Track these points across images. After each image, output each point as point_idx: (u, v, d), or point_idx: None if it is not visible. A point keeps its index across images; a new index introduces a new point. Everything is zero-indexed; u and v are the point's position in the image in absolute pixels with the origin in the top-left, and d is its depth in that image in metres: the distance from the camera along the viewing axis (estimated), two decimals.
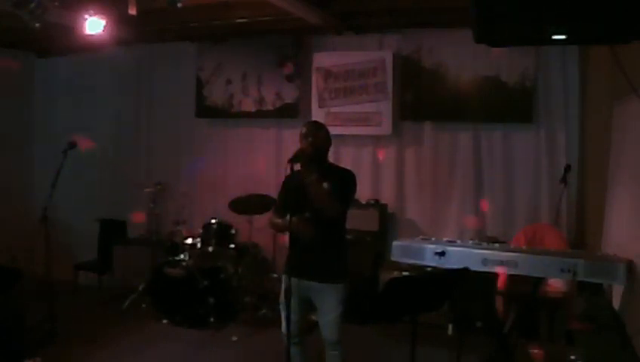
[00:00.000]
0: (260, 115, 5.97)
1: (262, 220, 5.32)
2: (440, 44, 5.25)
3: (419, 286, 2.71)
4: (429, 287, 2.76)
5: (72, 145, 4.60)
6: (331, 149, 3.28)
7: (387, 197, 5.54)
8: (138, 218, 6.19)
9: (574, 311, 4.00)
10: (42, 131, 6.87)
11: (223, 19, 5.17)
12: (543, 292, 4.12)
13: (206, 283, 4.97)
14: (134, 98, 6.52)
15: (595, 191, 4.44)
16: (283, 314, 3.13)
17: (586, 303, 3.78)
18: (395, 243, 4.16)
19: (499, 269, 3.78)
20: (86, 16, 4.24)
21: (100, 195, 6.49)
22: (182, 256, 5.25)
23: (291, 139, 5.59)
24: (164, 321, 5.05)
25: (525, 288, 3.98)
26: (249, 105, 6.00)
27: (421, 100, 5.36)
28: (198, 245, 5.34)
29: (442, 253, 3.86)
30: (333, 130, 3.35)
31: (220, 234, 5.36)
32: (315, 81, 5.70)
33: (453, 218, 5.32)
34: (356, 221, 4.93)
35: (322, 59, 5.67)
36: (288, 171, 3.00)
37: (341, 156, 5.42)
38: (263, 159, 5.94)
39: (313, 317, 3.47)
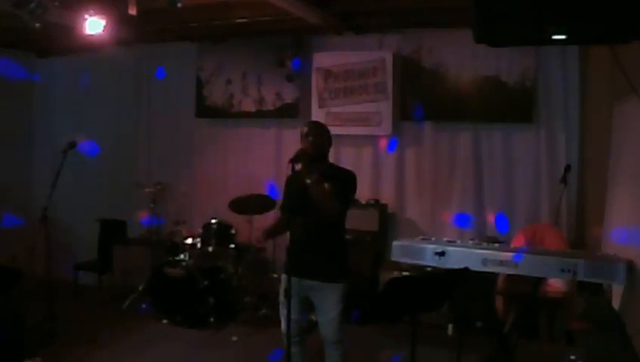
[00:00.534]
0: (259, 115, 5.97)
1: (262, 220, 5.32)
2: (440, 44, 5.25)
3: (419, 286, 2.71)
4: (429, 287, 2.76)
5: (72, 145, 4.60)
6: (331, 149, 3.28)
7: (387, 197, 5.54)
8: (141, 216, 6.18)
9: (574, 311, 4.00)
10: (42, 131, 6.87)
11: (223, 19, 5.17)
12: (543, 292, 4.12)
13: (206, 283, 4.97)
14: (134, 98, 6.52)
15: (595, 191, 4.44)
16: (282, 314, 3.13)
17: (586, 303, 3.78)
18: (395, 243, 4.16)
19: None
20: (86, 16, 4.24)
21: (100, 195, 6.49)
22: (182, 256, 5.25)
23: (291, 139, 5.60)
24: (164, 321, 5.05)
25: (525, 288, 3.98)
26: (249, 105, 6.00)
27: (421, 100, 5.36)
28: (198, 245, 5.34)
29: (442, 253, 3.86)
30: (333, 130, 3.35)
31: (220, 234, 5.36)
32: (315, 81, 5.70)
33: (454, 218, 5.32)
34: (356, 221, 4.93)
35: (322, 59, 5.67)
36: (289, 171, 3.00)
37: (341, 156, 5.42)
38: (263, 159, 5.94)
39: (313, 317, 3.48)
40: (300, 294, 3.13)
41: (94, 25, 4.27)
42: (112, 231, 6.24)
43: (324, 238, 3.13)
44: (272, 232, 3.44)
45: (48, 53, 6.77)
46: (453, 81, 5.21)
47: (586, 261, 3.43)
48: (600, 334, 3.26)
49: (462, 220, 5.27)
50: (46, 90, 6.87)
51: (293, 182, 3.11)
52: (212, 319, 4.98)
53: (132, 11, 4.01)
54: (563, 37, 2.48)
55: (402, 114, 5.47)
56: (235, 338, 4.73)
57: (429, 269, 4.08)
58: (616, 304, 3.55)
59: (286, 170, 3.05)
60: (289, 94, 5.83)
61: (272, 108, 5.91)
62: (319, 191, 2.94)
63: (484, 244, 4.12)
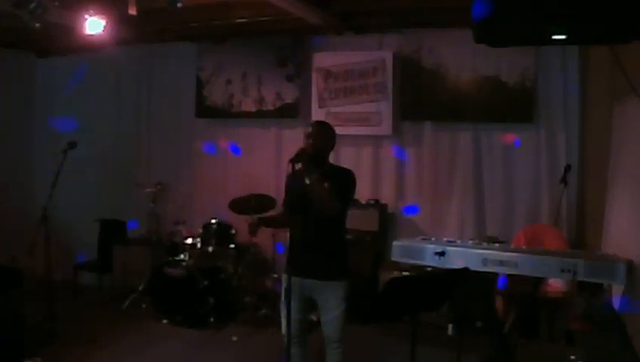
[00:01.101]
0: (259, 115, 5.97)
1: None
2: (440, 44, 5.24)
3: (419, 286, 2.72)
4: (429, 287, 2.76)
5: (72, 145, 4.60)
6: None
7: (387, 197, 5.54)
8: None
9: (574, 311, 4.00)
10: (42, 131, 6.87)
11: (223, 19, 5.17)
12: (543, 292, 4.12)
13: (206, 283, 4.97)
14: (134, 98, 6.52)
15: (595, 191, 4.44)
16: (283, 314, 3.13)
17: (586, 303, 3.78)
18: (395, 243, 4.17)
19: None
20: (86, 16, 4.24)
21: (100, 195, 6.49)
22: (182, 256, 5.25)
23: (291, 139, 5.62)
24: (164, 321, 5.05)
25: (525, 288, 3.98)
26: (249, 105, 6.00)
27: (421, 100, 5.36)
28: (198, 245, 5.34)
29: (442, 253, 3.86)
30: None
31: (220, 234, 5.36)
32: (315, 81, 5.70)
33: (453, 218, 5.32)
34: (356, 221, 4.93)
35: (322, 59, 5.68)
36: (290, 171, 3.01)
37: (341, 156, 5.42)
38: (263, 159, 5.94)
39: (313, 317, 3.48)
40: (301, 294, 3.15)
41: (94, 25, 4.27)
42: (112, 231, 6.24)
43: (324, 238, 3.14)
44: (268, 221, 3.44)
45: (48, 53, 6.77)
46: (453, 81, 5.21)
47: (586, 261, 3.43)
48: (600, 334, 3.26)
49: (462, 220, 5.27)
50: (46, 90, 6.87)
51: (294, 181, 3.11)
52: (212, 319, 4.98)
53: (132, 11, 4.01)
54: (563, 37, 2.48)
55: (402, 114, 5.47)
56: (235, 338, 4.73)
57: (429, 269, 4.08)
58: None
59: (286, 170, 3.06)
60: (289, 94, 5.83)
61: (272, 108, 5.91)
62: (319, 190, 2.94)
63: (484, 244, 4.12)
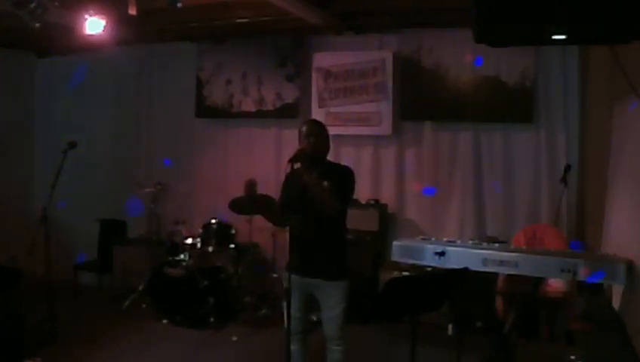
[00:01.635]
0: (260, 115, 5.97)
1: (262, 220, 5.31)
2: (440, 44, 5.24)
3: (419, 286, 2.71)
4: (429, 287, 2.76)
5: (72, 145, 4.60)
6: (331, 149, 3.29)
7: (387, 197, 5.54)
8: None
9: (574, 311, 4.00)
10: (42, 131, 6.87)
11: (223, 19, 5.17)
12: (543, 292, 4.12)
13: (206, 283, 4.97)
14: (134, 98, 6.52)
15: (595, 191, 4.44)
16: (285, 312, 3.14)
17: (586, 303, 3.78)
18: (395, 243, 4.16)
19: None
20: (86, 16, 4.24)
21: (100, 195, 6.49)
22: (182, 256, 5.25)
23: (291, 139, 5.60)
24: (164, 321, 5.05)
25: (525, 288, 3.98)
26: (249, 105, 6.00)
27: (421, 100, 5.36)
28: (198, 245, 5.34)
29: (442, 253, 3.86)
30: (333, 130, 3.37)
31: (220, 234, 5.36)
32: (315, 81, 5.70)
33: (453, 218, 5.32)
34: (356, 221, 4.93)
35: (322, 59, 5.67)
36: (289, 171, 3.01)
37: (341, 156, 5.41)
38: (263, 159, 5.93)
39: (313, 317, 3.48)
40: (302, 292, 3.16)
41: (94, 25, 4.27)
42: (112, 231, 6.24)
43: (324, 237, 3.15)
44: (263, 198, 3.40)
45: (48, 53, 6.77)
46: (453, 81, 5.21)
47: (586, 261, 3.43)
48: (600, 334, 3.26)
49: (462, 220, 5.27)
50: (46, 90, 6.87)
51: (293, 180, 3.11)
52: (212, 319, 4.98)
53: (132, 11, 4.01)
54: (563, 37, 2.48)
55: (402, 114, 5.47)
56: (235, 338, 4.73)
57: (429, 269, 4.08)
58: (616, 304, 3.55)
59: (285, 170, 3.06)
60: (289, 94, 5.83)
61: (272, 108, 5.91)
62: (319, 190, 2.95)
63: (484, 244, 4.12)
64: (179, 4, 3.76)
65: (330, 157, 3.30)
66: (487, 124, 5.17)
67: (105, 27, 4.31)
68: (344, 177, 3.16)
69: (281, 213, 3.30)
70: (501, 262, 3.69)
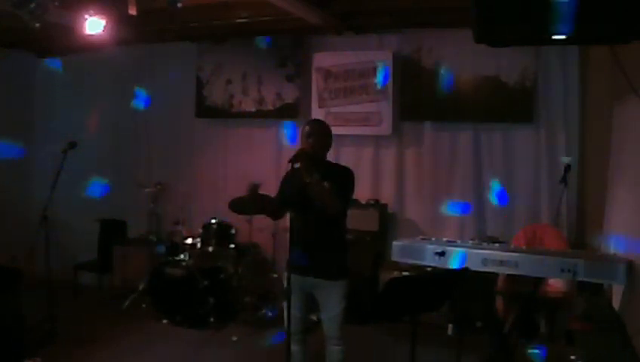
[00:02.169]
0: (259, 115, 5.97)
1: (262, 220, 5.31)
2: (440, 44, 5.24)
3: (419, 286, 2.71)
4: (429, 287, 2.76)
5: (72, 145, 4.60)
6: (331, 149, 3.29)
7: (387, 197, 5.54)
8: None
9: (574, 311, 4.00)
10: (42, 131, 6.87)
11: (223, 19, 5.17)
12: (543, 292, 4.12)
13: (206, 283, 4.97)
14: (134, 98, 6.51)
15: (595, 191, 4.44)
16: (286, 312, 3.15)
17: (586, 303, 3.78)
18: (395, 243, 4.16)
19: None
20: (86, 16, 4.24)
21: (100, 195, 6.48)
22: (182, 256, 5.25)
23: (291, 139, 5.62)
24: (164, 321, 5.05)
25: (525, 288, 3.98)
26: (249, 105, 6.00)
27: (421, 100, 5.35)
28: (198, 245, 5.34)
29: (442, 253, 3.86)
30: (333, 130, 3.35)
31: (220, 234, 5.36)
32: (315, 81, 5.70)
33: (453, 218, 5.32)
34: (356, 221, 4.93)
35: (322, 59, 5.67)
36: (289, 170, 3.02)
37: (341, 156, 5.42)
38: (263, 159, 5.93)
39: (313, 317, 3.48)
40: (302, 291, 3.16)
41: (94, 25, 4.27)
42: (112, 231, 6.24)
43: (324, 236, 3.15)
44: (262, 197, 3.41)
45: (48, 53, 6.77)
46: (453, 81, 5.20)
47: (586, 261, 3.43)
48: (600, 334, 3.26)
49: (462, 220, 5.27)
50: (46, 90, 6.87)
51: (293, 180, 3.11)
52: (212, 319, 4.98)
53: (132, 11, 4.01)
54: (563, 37, 2.48)
55: (402, 114, 5.46)
56: (235, 338, 4.73)
57: (429, 269, 4.08)
58: (616, 304, 3.55)
59: (285, 170, 3.06)
60: (289, 94, 5.83)
61: (272, 108, 5.91)
62: (319, 190, 2.95)
63: (484, 244, 4.12)
64: (179, 4, 3.76)
65: (330, 158, 3.30)
66: (487, 124, 5.17)
67: (105, 27, 4.30)
68: (344, 178, 3.17)
69: (277, 209, 3.38)
70: (501, 262, 3.69)
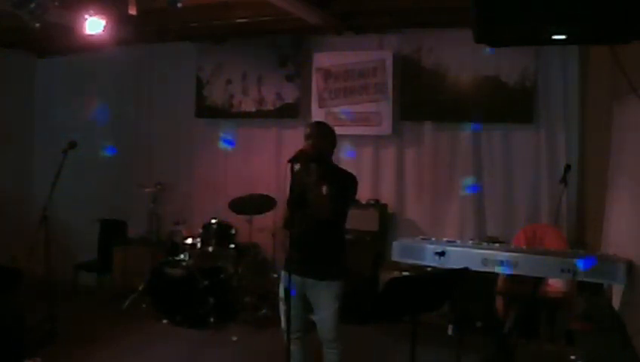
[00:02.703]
0: (260, 114, 5.96)
1: (262, 220, 5.33)
2: (440, 44, 5.24)
3: (419, 286, 2.71)
4: (429, 287, 2.76)
5: (72, 145, 4.60)
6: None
7: (387, 197, 5.54)
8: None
9: (574, 311, 4.00)
10: (42, 131, 6.87)
11: (223, 19, 5.17)
12: (543, 292, 4.12)
13: (206, 283, 4.97)
14: (134, 98, 6.52)
15: (595, 191, 4.44)
16: (282, 310, 3.15)
17: (586, 303, 3.78)
18: (395, 243, 4.16)
19: None
20: (86, 16, 4.23)
21: (100, 195, 6.49)
22: (182, 256, 5.25)
23: (291, 139, 5.62)
24: (164, 321, 5.05)
25: (525, 288, 3.98)
26: (249, 105, 6.00)
27: (421, 100, 5.35)
28: (198, 245, 5.34)
29: (442, 253, 3.86)
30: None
31: (220, 234, 5.36)
32: (315, 81, 5.70)
33: (453, 218, 5.32)
34: (356, 221, 4.93)
35: (322, 59, 5.67)
36: (289, 171, 3.01)
37: (341, 156, 5.42)
38: (263, 159, 5.93)
39: (312, 317, 3.48)
40: (300, 291, 3.16)
41: (94, 25, 4.27)
42: (112, 231, 6.24)
43: (321, 237, 3.15)
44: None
45: (48, 53, 6.77)
46: (453, 81, 5.20)
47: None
48: (600, 334, 3.26)
49: (462, 220, 5.27)
50: (46, 90, 6.87)
51: (296, 181, 3.12)
52: (212, 319, 4.98)
53: (132, 11, 4.01)
54: (563, 37, 2.48)
55: (402, 114, 5.46)
56: (235, 339, 4.73)
57: (429, 269, 4.08)
58: (616, 304, 3.55)
59: (285, 170, 3.06)
60: (289, 94, 5.82)
61: (272, 108, 5.91)
62: (316, 192, 2.95)
63: (484, 244, 4.12)
64: (179, 4, 3.76)
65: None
66: (487, 124, 5.17)
67: (105, 27, 4.30)
68: (346, 183, 3.17)
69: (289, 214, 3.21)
70: (501, 262, 3.69)
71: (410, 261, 4.07)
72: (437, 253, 3.87)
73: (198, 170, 6.26)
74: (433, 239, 4.29)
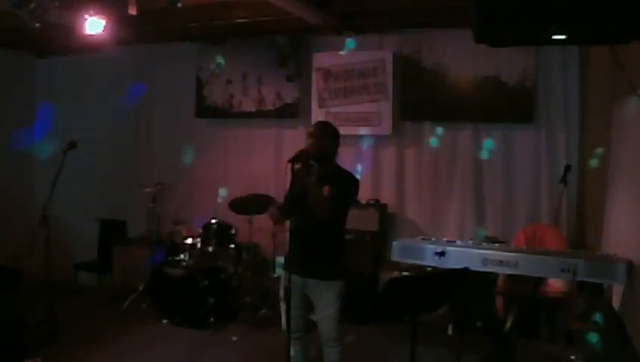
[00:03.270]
0: (260, 115, 5.97)
1: (262, 220, 5.32)
2: (440, 44, 5.24)
3: (419, 286, 2.71)
4: (429, 287, 2.76)
5: (72, 145, 4.60)
6: None
7: (387, 197, 5.54)
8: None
9: (574, 311, 4.00)
10: (42, 131, 6.86)
11: (223, 19, 5.17)
12: (543, 292, 4.12)
13: (206, 283, 4.97)
14: (134, 98, 6.51)
15: (595, 191, 4.44)
16: (283, 310, 3.15)
17: (586, 303, 3.78)
18: (395, 243, 4.16)
19: None
20: (86, 16, 4.24)
21: (100, 195, 6.49)
22: (182, 256, 5.25)
23: (291, 139, 5.62)
24: (164, 321, 5.05)
25: (525, 288, 3.98)
26: (249, 105, 6.00)
27: (421, 100, 5.35)
28: (198, 245, 5.34)
29: (442, 253, 3.86)
30: None
31: (220, 234, 5.36)
32: (315, 81, 5.70)
33: (453, 218, 5.32)
34: (356, 221, 4.92)
35: (322, 59, 5.67)
36: (289, 171, 3.01)
37: (341, 156, 5.40)
38: (263, 159, 5.93)
39: (313, 317, 3.48)
40: (300, 291, 3.16)
41: (94, 25, 4.27)
42: (112, 231, 6.24)
43: (321, 237, 3.15)
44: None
45: (48, 53, 6.77)
46: (453, 81, 5.20)
47: (586, 261, 3.43)
48: (600, 334, 3.26)
49: (462, 220, 5.27)
50: (46, 90, 6.87)
51: (296, 181, 3.12)
52: (212, 319, 4.98)
53: (132, 11, 4.01)
54: (563, 37, 2.48)
55: (402, 114, 5.46)
56: (235, 339, 4.73)
57: (429, 269, 4.08)
58: (616, 304, 3.55)
59: (285, 170, 3.06)
60: (289, 94, 5.82)
61: (272, 108, 5.91)
62: (315, 193, 2.95)
63: (484, 244, 4.12)
64: (179, 4, 3.76)
65: None
66: (487, 124, 5.17)
67: (105, 27, 4.30)
68: (347, 185, 3.17)
69: (286, 210, 3.28)
70: (501, 262, 3.69)
71: (410, 261, 4.07)
72: (437, 253, 3.87)
73: (198, 170, 6.26)
74: (433, 239, 4.29)
